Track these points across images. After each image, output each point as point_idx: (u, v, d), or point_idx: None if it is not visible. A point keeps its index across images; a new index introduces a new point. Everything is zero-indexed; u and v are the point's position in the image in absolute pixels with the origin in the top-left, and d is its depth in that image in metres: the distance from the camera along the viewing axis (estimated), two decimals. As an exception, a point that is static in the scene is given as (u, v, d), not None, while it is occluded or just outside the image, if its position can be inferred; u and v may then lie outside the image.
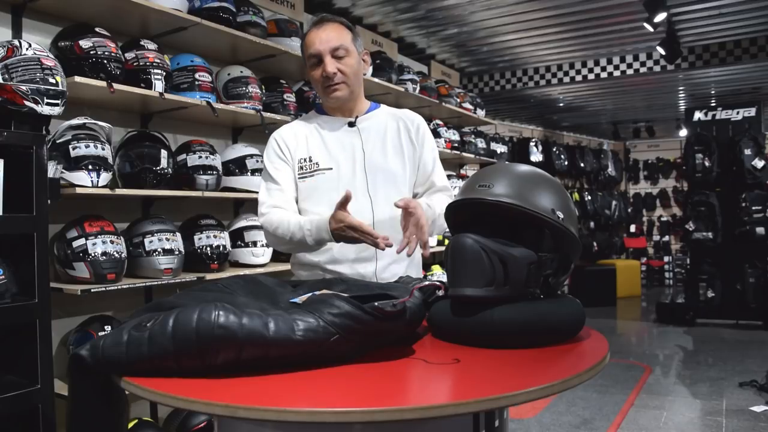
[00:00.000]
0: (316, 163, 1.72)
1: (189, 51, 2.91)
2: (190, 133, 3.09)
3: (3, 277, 1.88)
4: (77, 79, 2.24)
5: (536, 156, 8.72)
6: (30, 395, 1.87)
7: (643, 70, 6.10)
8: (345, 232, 1.51)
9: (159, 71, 2.57)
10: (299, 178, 1.73)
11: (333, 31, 1.69)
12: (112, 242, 2.37)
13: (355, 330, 0.99)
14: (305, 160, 1.73)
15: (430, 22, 5.00)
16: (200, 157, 2.80)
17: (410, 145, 1.79)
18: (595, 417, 3.85)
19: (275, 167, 1.75)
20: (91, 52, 2.34)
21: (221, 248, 2.83)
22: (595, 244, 9.70)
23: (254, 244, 3.03)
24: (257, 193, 2.97)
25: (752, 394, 4.20)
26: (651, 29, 4.66)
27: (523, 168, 1.27)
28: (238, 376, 0.94)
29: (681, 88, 7.35)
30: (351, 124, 1.76)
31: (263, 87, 3.20)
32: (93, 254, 2.31)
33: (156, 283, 2.55)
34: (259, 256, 3.03)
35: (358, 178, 1.71)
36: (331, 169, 1.71)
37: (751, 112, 6.81)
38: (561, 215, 1.18)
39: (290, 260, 1.87)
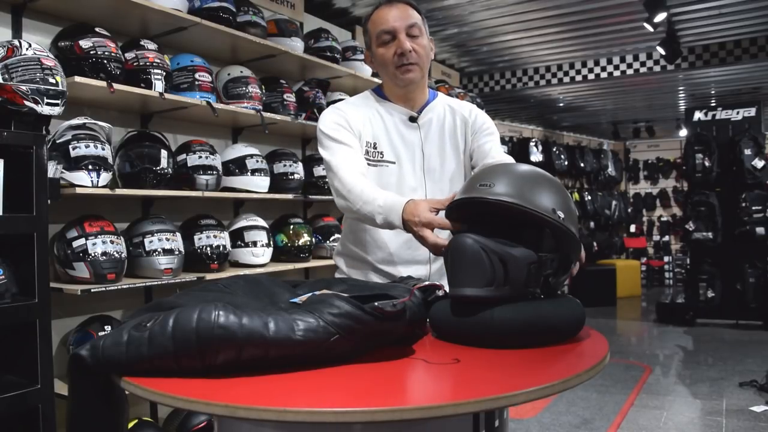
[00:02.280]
0: (381, 153, 1.65)
1: (189, 51, 2.92)
2: (190, 133, 3.10)
3: (3, 277, 1.88)
4: (77, 79, 2.24)
5: (536, 156, 8.72)
6: (30, 395, 1.87)
7: (643, 70, 6.09)
8: (417, 227, 1.36)
9: (159, 71, 2.57)
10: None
11: (406, 11, 1.62)
12: (112, 242, 2.37)
13: (355, 330, 0.99)
14: (370, 144, 1.64)
15: (430, 22, 4.96)
16: (200, 157, 2.80)
17: (463, 142, 1.73)
18: (595, 417, 3.85)
19: (338, 133, 1.60)
20: (91, 52, 2.34)
21: (221, 248, 2.83)
22: (595, 244, 9.70)
23: (254, 244, 3.03)
24: (257, 193, 3.04)
25: (752, 394, 4.20)
26: (651, 29, 4.67)
27: (524, 167, 1.27)
28: (238, 376, 0.94)
29: (681, 88, 7.35)
30: (412, 119, 1.69)
31: (263, 87, 3.20)
32: (93, 254, 2.31)
33: (156, 283, 2.55)
34: (259, 256, 3.03)
35: (417, 179, 1.67)
36: (394, 163, 1.65)
37: (751, 112, 6.81)
38: (562, 215, 1.17)
39: (335, 252, 1.80)
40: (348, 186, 1.52)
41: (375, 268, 1.67)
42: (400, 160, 1.66)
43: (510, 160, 1.66)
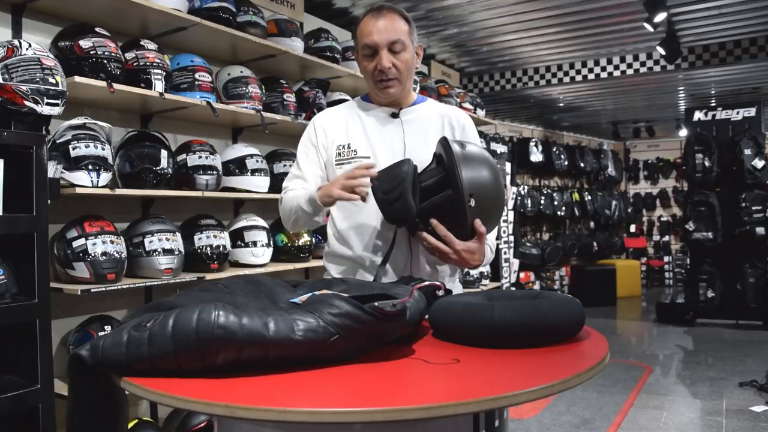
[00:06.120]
0: (354, 150, 1.68)
1: (189, 51, 2.92)
2: (190, 133, 3.10)
3: (3, 277, 1.88)
4: (77, 79, 2.24)
5: (536, 156, 8.71)
6: (30, 395, 1.87)
7: (643, 70, 6.10)
8: (333, 186, 1.52)
9: (159, 71, 2.57)
10: (336, 164, 1.70)
11: (392, 23, 1.62)
12: (112, 242, 2.37)
13: (355, 330, 0.99)
14: (343, 146, 1.69)
15: (430, 22, 5.00)
16: (200, 157, 2.80)
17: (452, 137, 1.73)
18: (595, 417, 3.85)
19: (305, 153, 1.75)
20: (91, 52, 2.34)
21: (221, 248, 2.83)
22: (595, 244, 9.70)
23: (254, 244, 3.03)
24: (257, 193, 3.04)
25: (752, 394, 4.20)
26: (651, 29, 4.67)
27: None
28: (238, 376, 0.94)
29: (681, 88, 7.35)
30: (394, 115, 1.72)
31: (263, 87, 3.20)
32: (93, 254, 2.30)
33: (156, 283, 2.55)
34: (259, 256, 3.03)
35: None
36: (369, 157, 1.66)
37: (751, 112, 6.81)
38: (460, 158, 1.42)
39: (324, 252, 1.84)
40: (285, 200, 1.73)
41: (356, 261, 1.67)
42: (376, 153, 1.67)
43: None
